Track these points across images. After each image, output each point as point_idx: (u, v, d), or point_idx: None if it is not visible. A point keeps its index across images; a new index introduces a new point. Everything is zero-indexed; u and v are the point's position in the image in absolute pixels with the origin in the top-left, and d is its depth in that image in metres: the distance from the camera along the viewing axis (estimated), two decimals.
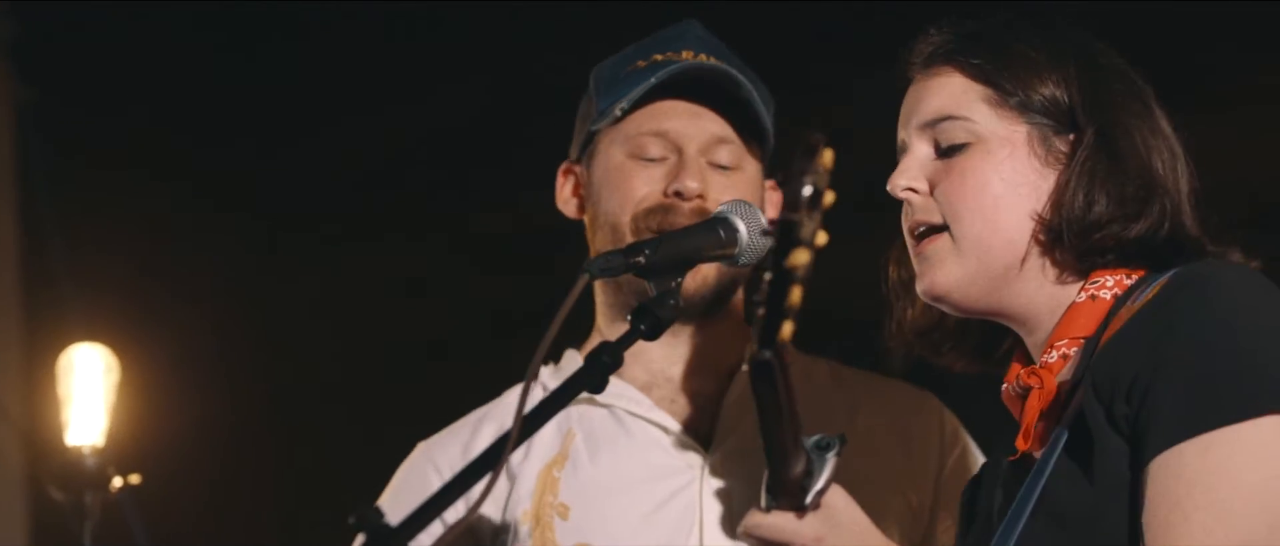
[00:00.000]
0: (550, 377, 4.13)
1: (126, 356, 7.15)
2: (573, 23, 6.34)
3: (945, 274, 3.09)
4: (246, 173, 7.18)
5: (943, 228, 3.11)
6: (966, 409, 4.17)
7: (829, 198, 2.64)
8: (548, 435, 4.02)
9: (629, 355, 3.97)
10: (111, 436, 6.95)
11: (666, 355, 4.06)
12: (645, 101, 4.00)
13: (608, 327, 4.10)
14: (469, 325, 7.35)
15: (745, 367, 2.97)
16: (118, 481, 6.62)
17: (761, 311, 2.65)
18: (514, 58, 6.77)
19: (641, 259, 3.26)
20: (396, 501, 4.00)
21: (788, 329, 2.65)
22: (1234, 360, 2.77)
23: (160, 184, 7.02)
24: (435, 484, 4.03)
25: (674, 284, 3.26)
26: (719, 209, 3.43)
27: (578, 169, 4.14)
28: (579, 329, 4.19)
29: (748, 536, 3.08)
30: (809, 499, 2.95)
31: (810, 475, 2.96)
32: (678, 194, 3.96)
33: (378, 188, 7.26)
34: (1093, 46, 3.17)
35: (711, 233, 3.38)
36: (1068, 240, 3.04)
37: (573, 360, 4.14)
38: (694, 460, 3.99)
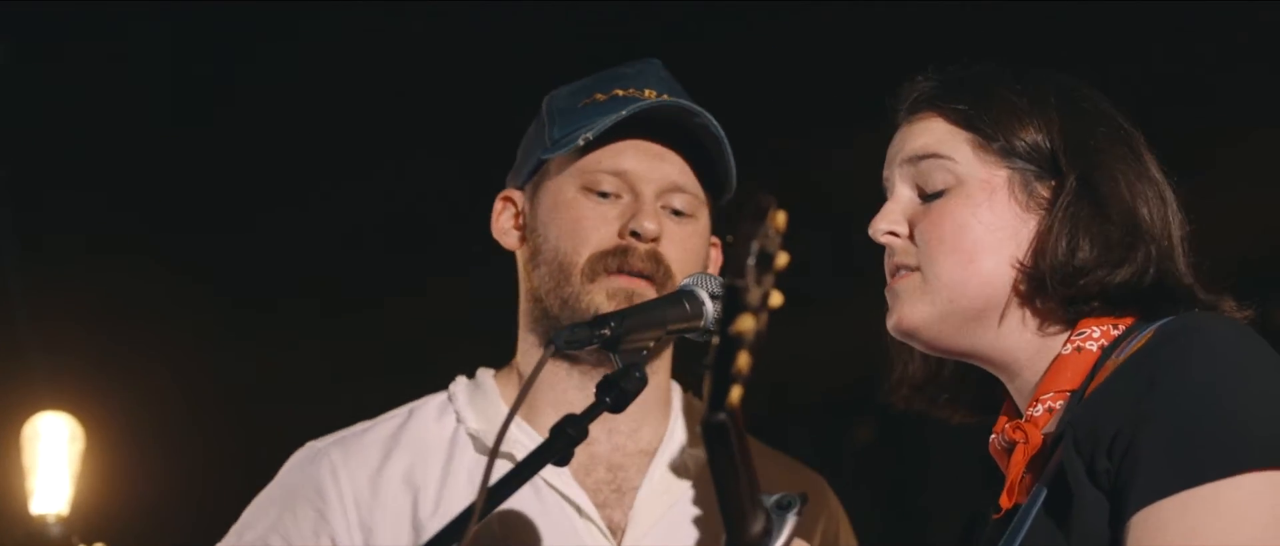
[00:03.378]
0: (464, 391, 3.97)
1: (91, 424, 7.18)
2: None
3: (914, 310, 3.07)
4: (210, 242, 7.20)
5: (918, 268, 3.10)
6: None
7: (781, 260, 2.57)
8: (458, 489, 3.86)
9: (548, 401, 3.92)
10: (76, 505, 6.98)
11: None
12: (605, 138, 3.88)
13: (525, 354, 3.97)
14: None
15: (697, 430, 2.90)
16: None
17: (709, 376, 2.63)
18: (471, 139, 6.82)
19: (608, 331, 3.24)
20: (288, 509, 3.90)
21: (736, 393, 2.59)
22: (1216, 417, 2.75)
23: (124, 254, 7.04)
24: (332, 496, 3.89)
25: (640, 356, 3.25)
26: (684, 282, 3.42)
27: (518, 197, 4.02)
28: (499, 348, 4.10)
29: None
30: None
31: (769, 534, 2.94)
32: (635, 235, 3.84)
33: (341, 260, 7.29)
34: (1077, 91, 3.15)
35: (677, 305, 3.36)
36: (1051, 286, 3.00)
37: (485, 379, 3.99)
38: None
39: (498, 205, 4.07)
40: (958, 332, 3.07)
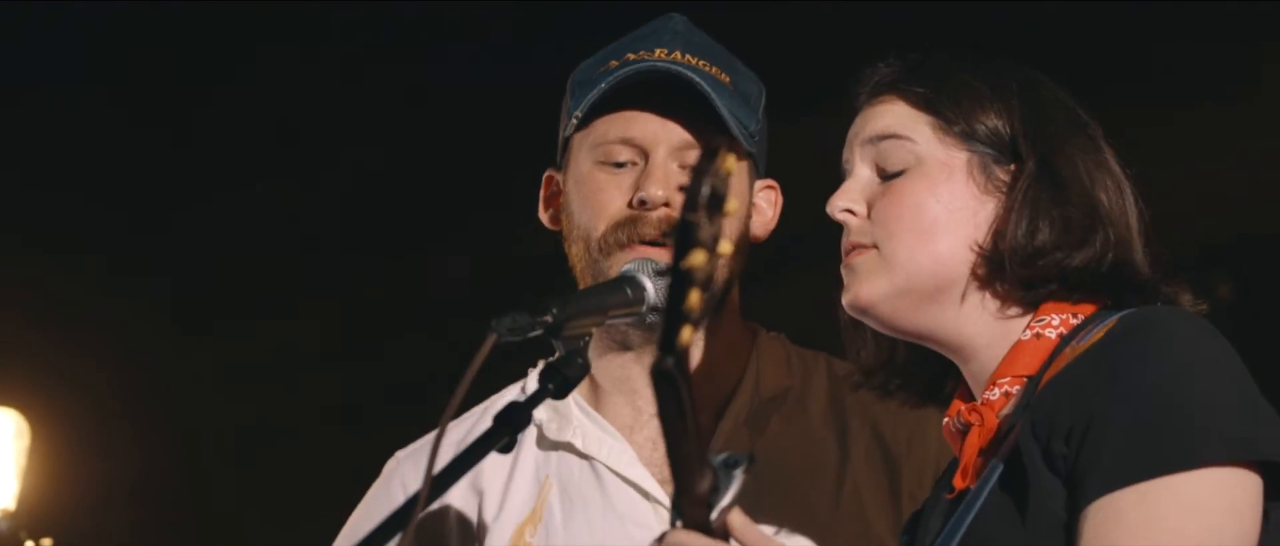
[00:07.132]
0: (536, 378, 3.93)
1: (37, 421, 7.17)
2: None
3: (870, 287, 3.07)
4: (153, 238, 7.20)
5: (874, 246, 3.10)
6: None
7: (731, 204, 2.59)
8: (523, 486, 3.84)
9: (613, 382, 3.88)
10: (23, 500, 6.98)
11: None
12: (612, 106, 3.82)
13: (596, 357, 3.88)
14: (379, 388, 7.38)
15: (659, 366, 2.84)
16: (30, 545, 6.66)
17: (658, 316, 2.63)
18: (412, 127, 6.83)
19: (549, 318, 3.23)
20: (363, 517, 3.91)
21: (687, 333, 2.58)
22: (1176, 410, 2.75)
23: (67, 250, 7.03)
24: (400, 499, 3.90)
25: (582, 343, 3.25)
26: (625, 267, 3.42)
27: (558, 177, 3.96)
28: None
29: None
30: (714, 515, 2.91)
31: (716, 492, 2.92)
32: (642, 203, 3.77)
33: (283, 255, 7.29)
34: (1037, 80, 3.17)
35: (618, 291, 3.36)
36: (1009, 268, 3.01)
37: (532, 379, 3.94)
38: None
39: (543, 187, 4.03)
40: (913, 311, 3.07)
